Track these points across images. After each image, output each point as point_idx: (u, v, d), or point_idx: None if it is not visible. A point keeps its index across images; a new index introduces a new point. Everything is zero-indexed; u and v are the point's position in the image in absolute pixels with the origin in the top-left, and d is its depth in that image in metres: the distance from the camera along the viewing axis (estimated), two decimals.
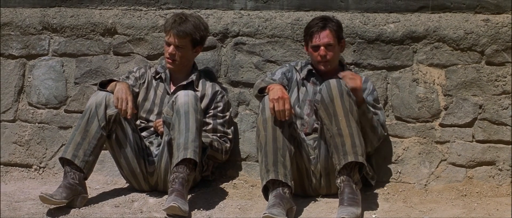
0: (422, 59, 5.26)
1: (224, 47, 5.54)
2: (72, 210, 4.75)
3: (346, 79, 4.72)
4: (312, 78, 5.09)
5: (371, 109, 4.91)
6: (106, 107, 4.84)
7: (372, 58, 5.32)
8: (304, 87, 5.09)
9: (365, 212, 4.61)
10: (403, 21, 5.30)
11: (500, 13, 5.25)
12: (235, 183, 5.31)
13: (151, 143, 5.12)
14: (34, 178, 5.64)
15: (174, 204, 4.44)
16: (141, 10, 5.73)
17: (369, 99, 4.96)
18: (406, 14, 5.34)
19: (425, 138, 5.24)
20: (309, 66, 5.10)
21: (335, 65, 5.05)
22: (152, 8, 5.72)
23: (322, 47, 4.93)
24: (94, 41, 5.73)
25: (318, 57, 4.95)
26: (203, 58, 5.49)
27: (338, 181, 4.53)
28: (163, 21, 5.45)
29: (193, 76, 5.18)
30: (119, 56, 5.69)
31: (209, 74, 5.39)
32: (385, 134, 5.11)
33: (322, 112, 4.62)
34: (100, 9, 5.80)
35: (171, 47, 5.06)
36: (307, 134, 5.00)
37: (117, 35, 5.68)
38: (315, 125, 4.98)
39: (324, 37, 4.92)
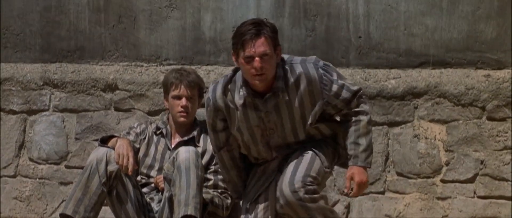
0: (423, 115, 5.27)
1: None
2: None
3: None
4: (251, 102, 4.27)
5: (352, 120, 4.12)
6: (107, 164, 4.82)
7: (373, 114, 5.31)
8: (245, 115, 4.33)
9: None
10: (404, 77, 5.32)
11: (501, 69, 5.27)
12: None
13: (152, 199, 5.08)
14: None
15: None
16: (142, 66, 5.74)
17: (335, 102, 4.17)
18: (407, 70, 5.36)
19: (426, 193, 5.23)
20: (242, 91, 4.28)
21: (272, 77, 4.17)
22: (153, 64, 5.74)
23: (257, 58, 4.05)
24: (95, 97, 5.73)
25: (252, 70, 4.09)
26: (205, 113, 5.47)
27: None
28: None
29: (195, 132, 5.17)
30: (120, 112, 5.69)
31: None
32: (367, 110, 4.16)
33: None
34: (101, 65, 5.82)
35: (184, 100, 5.02)
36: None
37: (118, 91, 5.69)
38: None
39: (259, 46, 4.05)
